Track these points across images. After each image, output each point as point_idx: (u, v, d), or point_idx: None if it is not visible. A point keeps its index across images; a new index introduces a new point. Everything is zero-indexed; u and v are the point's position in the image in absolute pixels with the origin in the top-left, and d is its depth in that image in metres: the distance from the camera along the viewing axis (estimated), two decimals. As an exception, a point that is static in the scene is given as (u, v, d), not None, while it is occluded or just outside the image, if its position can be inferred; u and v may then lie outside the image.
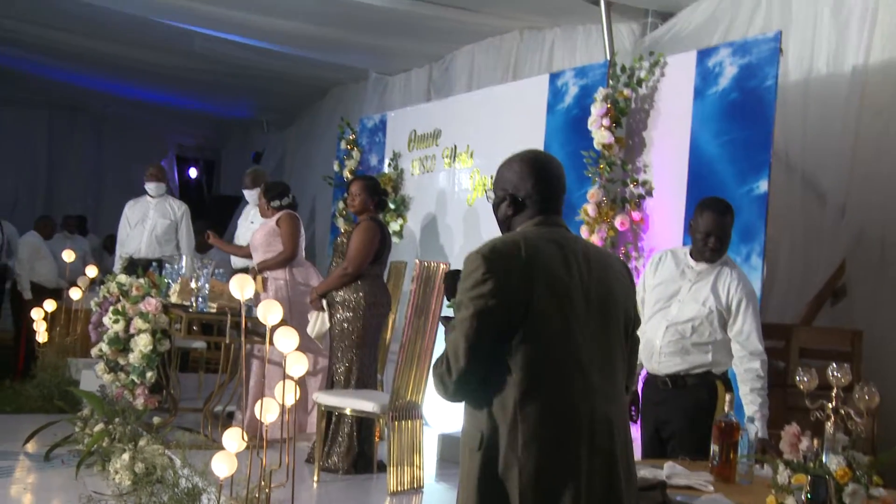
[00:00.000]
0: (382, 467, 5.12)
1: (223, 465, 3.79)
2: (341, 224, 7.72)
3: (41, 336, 7.67)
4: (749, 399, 3.71)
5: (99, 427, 5.60)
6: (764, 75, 4.47)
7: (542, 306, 2.22)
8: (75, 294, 7.73)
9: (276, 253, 5.81)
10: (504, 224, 2.46)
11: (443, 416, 5.82)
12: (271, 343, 3.77)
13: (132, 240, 7.64)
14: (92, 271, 7.98)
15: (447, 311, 2.74)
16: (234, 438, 3.88)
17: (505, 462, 2.19)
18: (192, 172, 15.69)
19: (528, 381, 2.21)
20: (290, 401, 3.75)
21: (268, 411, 3.80)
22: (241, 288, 3.92)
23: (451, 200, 6.59)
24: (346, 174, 7.71)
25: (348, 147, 7.75)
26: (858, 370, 4.70)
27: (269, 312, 3.75)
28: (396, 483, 4.69)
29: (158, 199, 7.80)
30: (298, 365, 3.78)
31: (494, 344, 2.21)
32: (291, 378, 3.76)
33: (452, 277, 2.42)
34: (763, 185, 4.42)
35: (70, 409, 6.69)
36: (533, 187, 2.40)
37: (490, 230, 6.13)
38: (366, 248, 5.14)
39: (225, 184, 15.42)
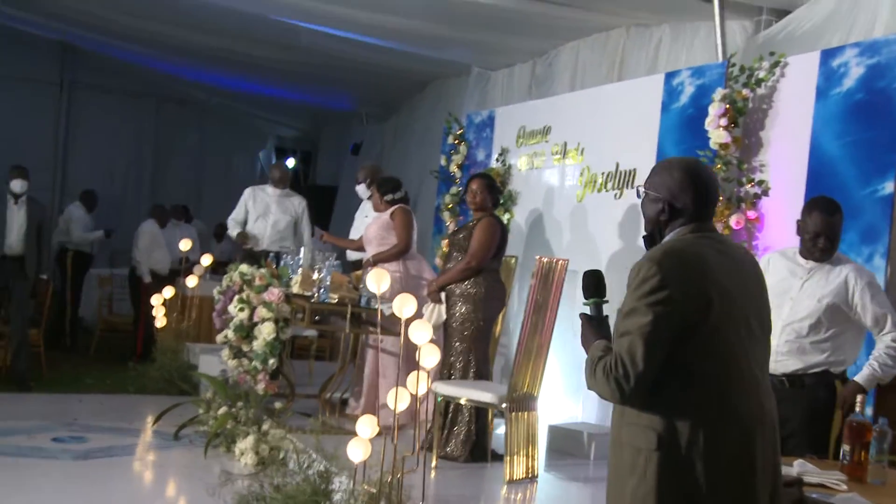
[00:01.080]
0: (496, 456, 5.28)
1: (358, 450, 3.97)
2: (447, 217, 7.88)
3: (160, 321, 8.02)
4: (873, 355, 3.79)
5: (223, 410, 5.87)
6: (893, 76, 4.45)
7: (716, 313, 2.36)
8: (191, 281, 8.07)
9: (389, 246, 6.00)
10: (653, 224, 2.59)
11: (552, 408, 5.93)
12: (405, 334, 3.93)
13: (254, 231, 7.92)
14: (207, 259, 8.30)
15: (584, 309, 2.84)
16: (367, 425, 4.05)
17: (688, 459, 2.31)
18: (290, 162, 16.06)
19: (707, 383, 2.34)
20: (422, 390, 3.92)
21: (399, 400, 3.96)
22: (378, 282, 4.10)
23: (560, 196, 6.68)
24: (453, 168, 7.86)
25: (455, 142, 7.89)
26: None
27: (404, 305, 3.91)
28: (513, 472, 4.83)
29: (281, 194, 8.05)
30: (431, 356, 3.93)
31: (670, 348, 2.33)
32: (424, 369, 3.92)
33: (593, 277, 2.68)
34: (889, 187, 4.41)
35: (192, 391, 7.02)
36: (692, 198, 2.53)
37: (598, 226, 6.23)
38: (488, 244, 5.31)
39: (321, 174, 15.76)
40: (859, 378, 3.76)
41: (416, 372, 4.01)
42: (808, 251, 3.90)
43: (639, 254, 5.79)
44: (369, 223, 6.30)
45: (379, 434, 4.11)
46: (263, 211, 7.98)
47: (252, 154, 16.08)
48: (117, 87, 14.20)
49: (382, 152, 12.83)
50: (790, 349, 3.89)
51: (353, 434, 5.54)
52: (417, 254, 6.15)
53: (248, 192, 8.20)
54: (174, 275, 9.36)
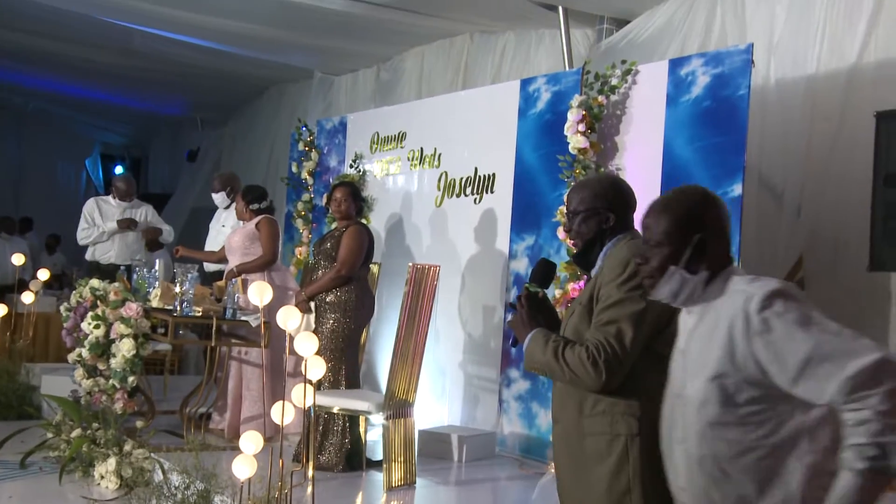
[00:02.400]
0: (370, 464, 5.29)
1: (244, 466, 3.88)
2: (300, 225, 7.79)
3: (-9, 341, 7.52)
4: None
5: (77, 432, 5.58)
6: (736, 85, 4.77)
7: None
8: (27, 297, 7.61)
9: (254, 256, 5.89)
10: (593, 237, 2.70)
11: (421, 413, 5.99)
12: (290, 346, 3.88)
13: (102, 246, 7.59)
14: (44, 274, 7.86)
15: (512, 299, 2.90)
16: (251, 440, 3.96)
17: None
18: (118, 170, 15.41)
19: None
20: (309, 402, 3.88)
21: (286, 413, 3.91)
22: (261, 294, 4.02)
23: (418, 202, 6.75)
24: (305, 175, 7.78)
25: (305, 148, 7.82)
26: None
27: (289, 318, 3.86)
28: (392, 479, 4.85)
29: (128, 207, 7.77)
30: (317, 368, 3.90)
31: (647, 338, 2.52)
32: (310, 382, 3.88)
33: (546, 266, 2.78)
34: (737, 189, 4.73)
35: (35, 414, 6.61)
36: (625, 206, 2.72)
37: (457, 231, 6.35)
38: (357, 251, 5.31)
39: (153, 181, 15.22)
40: None
41: (298, 384, 3.96)
42: None
43: (497, 258, 5.98)
44: (232, 233, 6.16)
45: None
46: (105, 222, 7.68)
47: (77, 162, 15.33)
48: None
49: (221, 158, 12.54)
50: None
51: (223, 449, 5.47)
52: (282, 264, 6.07)
53: (91, 203, 7.95)
54: (4, 291, 8.80)
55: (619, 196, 2.74)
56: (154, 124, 14.77)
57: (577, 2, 6.74)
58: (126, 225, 7.72)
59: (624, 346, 2.48)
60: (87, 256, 7.80)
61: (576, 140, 5.35)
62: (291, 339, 3.88)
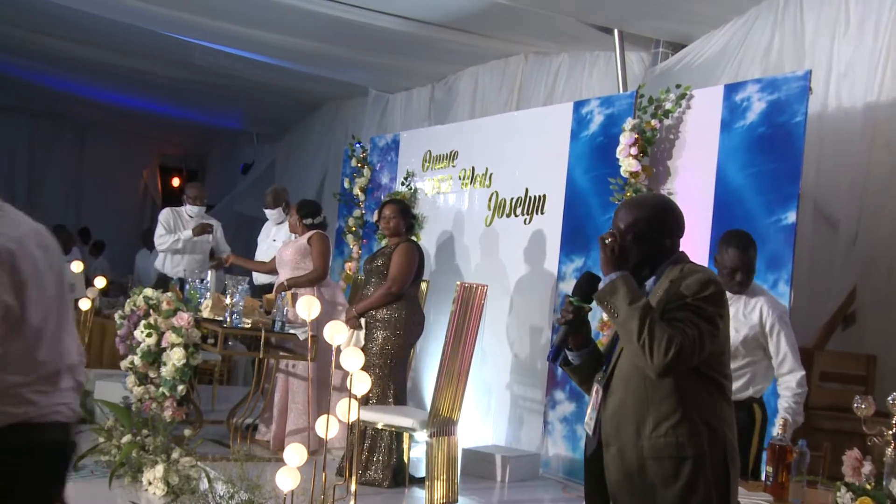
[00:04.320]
0: (413, 481, 5.30)
1: (287, 478, 3.92)
2: (350, 241, 7.86)
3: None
4: (782, 405, 4.00)
5: (127, 438, 5.67)
6: (793, 112, 4.72)
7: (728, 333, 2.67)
8: (84, 304, 7.76)
9: (304, 271, 5.96)
10: (640, 258, 2.67)
11: (466, 432, 5.99)
12: (336, 361, 3.92)
13: (173, 259, 7.69)
14: (101, 281, 8.02)
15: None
16: (296, 453, 4.00)
17: (725, 465, 2.61)
18: (175, 181, 15.67)
19: (728, 396, 2.64)
20: (353, 417, 3.91)
21: (330, 427, 3.94)
22: (309, 308, 4.07)
23: (468, 221, 6.77)
24: (357, 191, 7.85)
25: (358, 165, 7.89)
26: (872, 394, 4.96)
27: (335, 333, 3.89)
28: (434, 496, 4.86)
29: (197, 220, 7.80)
30: (362, 383, 3.93)
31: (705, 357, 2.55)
32: (355, 397, 3.91)
33: (590, 280, 2.71)
34: (791, 217, 4.67)
35: (88, 418, 6.74)
36: (681, 228, 2.75)
37: (507, 251, 6.36)
38: (408, 269, 5.36)
39: (210, 194, 15.43)
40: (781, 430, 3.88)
41: (345, 399, 3.99)
42: (725, 284, 4.06)
43: (546, 279, 5.98)
44: (284, 246, 6.23)
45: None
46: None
47: (136, 172, 15.60)
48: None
49: (274, 172, 12.69)
50: None
51: (267, 460, 5.52)
52: (331, 280, 6.13)
53: (167, 211, 7.90)
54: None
55: (674, 221, 2.72)
56: (211, 137, 14.99)
57: (633, 25, 6.72)
58: (201, 230, 7.62)
59: (698, 347, 2.48)
60: (158, 266, 7.87)
61: (628, 163, 5.34)
62: (338, 353, 3.91)
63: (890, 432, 3.17)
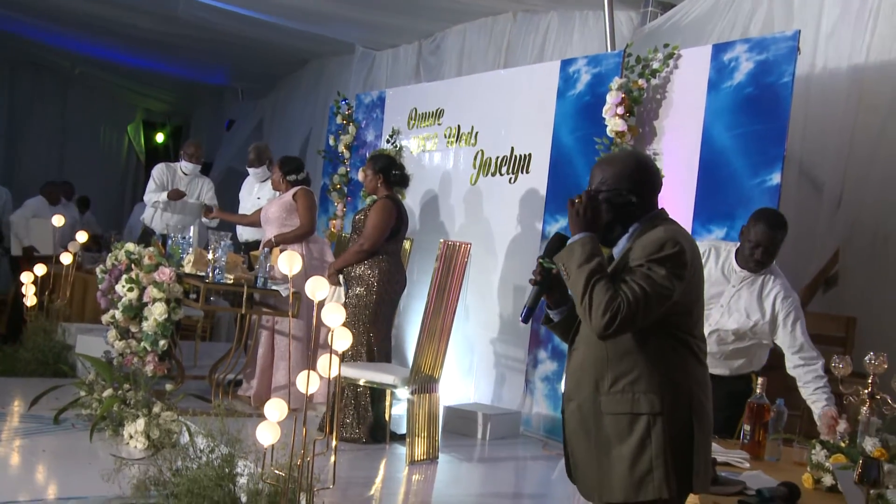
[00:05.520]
0: (393, 437, 5.32)
1: (268, 433, 3.92)
2: (335, 198, 7.81)
3: (29, 299, 7.64)
4: (815, 397, 3.85)
5: (108, 392, 5.67)
6: (781, 72, 4.69)
7: (701, 295, 2.66)
8: (66, 258, 7.72)
9: (291, 227, 5.92)
10: (612, 215, 2.64)
11: (445, 388, 6.01)
12: (318, 317, 3.90)
13: (161, 215, 7.66)
14: (82, 236, 7.96)
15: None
16: (276, 408, 4.00)
17: (689, 422, 2.61)
18: (160, 137, 15.53)
19: (697, 354, 2.63)
20: (334, 373, 3.90)
21: (311, 383, 3.93)
22: (290, 264, 4.05)
23: (453, 179, 6.74)
24: (342, 149, 7.80)
25: (344, 122, 7.82)
26: (850, 355, 4.99)
27: (317, 289, 3.87)
28: (414, 453, 4.88)
29: (192, 175, 7.78)
30: (343, 340, 3.92)
31: (661, 316, 2.53)
32: (336, 353, 3.90)
33: (561, 241, 2.68)
34: (775, 178, 4.66)
35: (70, 372, 6.73)
36: (650, 188, 2.69)
37: (491, 210, 6.33)
38: (382, 226, 5.31)
39: (194, 150, 15.31)
40: (822, 414, 3.76)
41: (326, 355, 3.98)
42: (744, 259, 4.01)
43: (531, 238, 5.96)
44: (268, 203, 6.19)
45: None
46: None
47: (119, 127, 15.45)
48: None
49: (261, 129, 12.59)
50: (715, 356, 4.00)
51: (248, 416, 5.53)
52: (319, 237, 6.10)
53: (161, 167, 7.87)
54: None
55: (644, 178, 2.68)
56: (196, 93, 14.81)
57: (622, -18, 6.65)
58: (174, 196, 7.63)
59: (643, 309, 2.45)
60: (146, 220, 7.83)
61: (614, 123, 5.30)
62: (315, 309, 3.90)
63: (865, 391, 3.19)
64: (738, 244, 4.09)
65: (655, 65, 5.31)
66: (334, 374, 3.91)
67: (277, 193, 6.26)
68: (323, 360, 3.94)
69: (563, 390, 2.79)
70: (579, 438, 2.66)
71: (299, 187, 5.98)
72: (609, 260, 2.68)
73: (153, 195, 7.68)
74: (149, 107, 15.70)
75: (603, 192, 2.66)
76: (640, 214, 2.65)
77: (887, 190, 5.22)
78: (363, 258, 5.33)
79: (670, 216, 2.69)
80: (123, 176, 15.43)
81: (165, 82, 14.52)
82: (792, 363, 3.96)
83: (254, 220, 6.45)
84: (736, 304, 4.02)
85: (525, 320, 2.76)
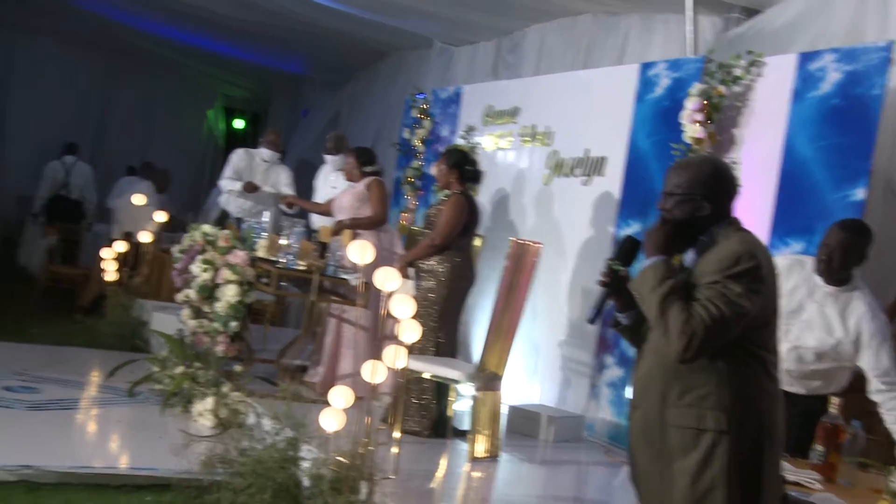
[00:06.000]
0: (456, 433, 5.34)
1: (332, 420, 3.98)
2: (407, 191, 7.87)
3: (110, 275, 7.87)
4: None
5: (180, 369, 5.81)
6: (871, 84, 4.58)
7: (777, 310, 2.63)
8: (145, 237, 7.93)
9: (362, 216, 5.99)
10: (689, 222, 2.63)
11: (509, 388, 6.02)
12: (386, 308, 3.95)
13: (237, 199, 7.80)
14: (161, 216, 8.17)
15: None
16: (341, 395, 4.06)
17: (757, 442, 2.59)
18: (239, 123, 15.80)
19: (770, 372, 2.58)
20: (401, 364, 3.94)
21: (377, 374, 3.98)
22: (361, 253, 4.10)
23: (527, 178, 6.73)
24: (416, 142, 7.85)
25: (419, 116, 7.87)
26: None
27: (387, 279, 3.92)
28: (476, 449, 4.90)
29: (269, 165, 7.90)
30: (411, 332, 3.96)
31: (739, 332, 2.50)
32: (404, 344, 3.94)
33: (631, 244, 2.72)
34: (860, 193, 4.55)
35: (144, 347, 6.92)
36: (725, 195, 2.66)
37: (563, 211, 6.31)
38: (454, 221, 5.33)
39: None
40: None
41: (393, 346, 4.02)
42: (819, 267, 3.85)
43: (603, 241, 5.92)
44: (342, 193, 6.27)
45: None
46: (249, 177, 7.83)
47: (200, 112, 15.78)
48: (66, 32, 13.74)
49: (338, 120, 12.71)
50: (792, 374, 3.89)
51: (313, 401, 5.61)
52: (390, 227, 6.15)
53: (240, 153, 8.01)
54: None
55: (719, 184, 2.65)
56: (275, 81, 15.03)
57: (708, -13, 6.55)
58: (249, 189, 7.76)
59: (720, 331, 2.43)
60: (222, 204, 8.00)
61: (692, 129, 5.24)
62: (385, 300, 3.94)
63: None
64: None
65: (738, 72, 5.23)
66: (401, 365, 3.95)
67: (351, 183, 6.33)
68: (390, 351, 3.99)
69: (629, 397, 2.79)
70: (642, 447, 2.66)
71: (373, 178, 6.04)
72: (680, 268, 2.67)
73: (228, 182, 7.83)
74: (228, 93, 15.99)
75: (677, 196, 2.65)
76: (714, 222, 2.63)
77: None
78: (434, 252, 5.37)
79: (744, 226, 2.66)
80: (202, 159, 15.75)
81: (245, 69, 14.77)
82: (874, 387, 3.77)
83: (327, 209, 6.55)
84: (818, 321, 3.85)
85: (592, 321, 2.78)
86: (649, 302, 2.52)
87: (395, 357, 3.92)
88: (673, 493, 2.55)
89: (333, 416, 4.01)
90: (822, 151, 4.78)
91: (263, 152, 7.83)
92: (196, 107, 15.66)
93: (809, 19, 6.03)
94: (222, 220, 7.50)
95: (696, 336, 2.41)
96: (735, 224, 2.63)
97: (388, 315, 3.99)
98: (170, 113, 15.05)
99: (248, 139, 15.38)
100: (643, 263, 2.60)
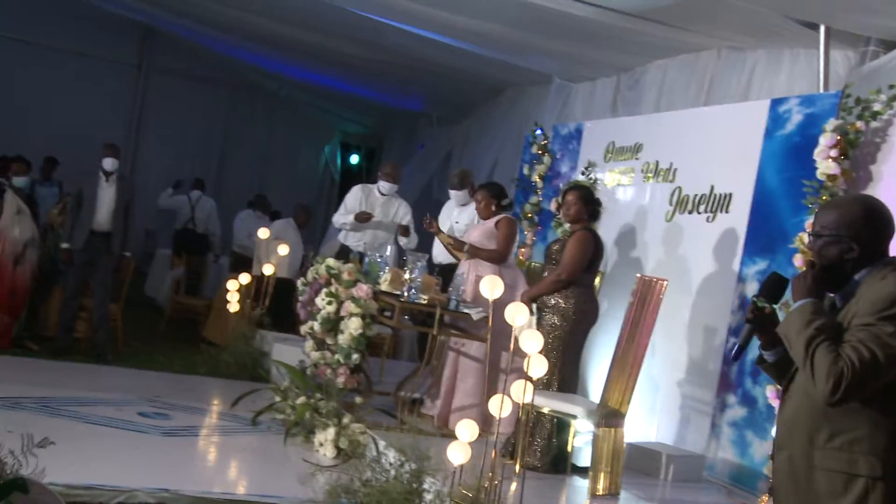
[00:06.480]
0: (575, 469, 5.29)
1: (458, 453, 4.00)
2: (525, 227, 7.89)
3: (233, 306, 8.12)
4: None
5: (301, 400, 5.93)
6: None
7: None
8: (268, 269, 8.16)
9: None
10: (833, 262, 2.59)
11: (632, 426, 5.93)
12: (515, 343, 3.96)
13: (353, 234, 7.96)
14: (284, 249, 8.39)
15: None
16: (467, 428, 4.08)
17: None
18: (354, 158, 16.15)
19: None
20: (527, 399, 3.94)
21: (502, 407, 3.99)
22: (492, 288, 4.13)
23: (649, 215, 6.67)
24: (535, 178, 7.87)
25: (539, 151, 7.90)
26: None
27: (517, 314, 3.93)
28: (597, 486, 4.84)
29: (388, 196, 8.02)
30: (539, 367, 3.95)
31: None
32: (530, 379, 3.94)
33: (777, 281, 2.71)
34: None
35: (265, 377, 7.10)
36: (876, 236, 2.59)
37: (687, 248, 6.22)
38: (580, 257, 5.32)
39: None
40: None
41: (520, 380, 4.03)
42: None
43: (727, 279, 5.79)
44: (472, 228, 6.32)
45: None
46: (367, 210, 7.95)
47: (317, 148, 16.21)
48: (192, 71, 14.40)
49: (451, 155, 12.86)
50: None
51: (433, 434, 5.65)
52: (515, 265, 6.16)
53: (356, 191, 8.15)
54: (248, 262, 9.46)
55: (869, 225, 2.58)
56: (391, 117, 15.34)
57: (841, 20, 6.39)
58: (362, 219, 7.87)
59: (871, 373, 2.36)
60: (341, 239, 8.16)
61: (825, 166, 5.11)
62: (513, 335, 3.95)
63: None
64: None
65: (877, 106, 5.08)
66: (527, 400, 3.95)
67: (477, 220, 6.36)
68: (517, 386, 4.00)
69: (773, 438, 2.72)
70: (788, 490, 2.60)
71: (503, 215, 6.06)
72: (831, 308, 2.61)
73: (341, 217, 7.99)
74: (345, 129, 16.38)
75: (825, 237, 2.61)
76: (865, 263, 2.56)
77: None
78: (559, 288, 5.36)
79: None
80: (317, 194, 16.14)
81: (362, 105, 15.12)
82: None
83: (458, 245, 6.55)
84: None
85: (735, 358, 2.77)
86: (796, 345, 2.48)
87: (523, 392, 3.92)
88: None
89: (460, 449, 4.03)
90: (966, 190, 4.59)
91: (382, 185, 7.97)
92: (313, 142, 16.09)
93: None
94: (344, 254, 7.63)
95: (845, 378, 2.35)
96: (892, 264, 2.55)
97: (516, 350, 3.99)
98: (288, 147, 15.51)
99: (363, 174, 15.72)
100: (793, 306, 2.55)
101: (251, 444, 5.77)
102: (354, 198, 8.00)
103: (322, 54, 11.81)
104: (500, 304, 5.73)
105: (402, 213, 8.00)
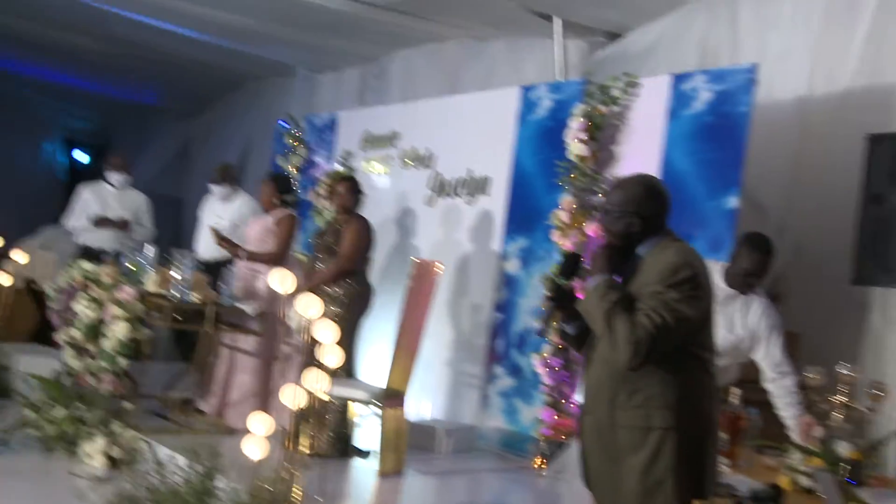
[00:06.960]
0: (357, 452, 5.36)
1: (255, 448, 3.92)
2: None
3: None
4: (788, 413, 4.12)
5: (61, 412, 5.54)
6: (738, 102, 4.97)
7: (709, 307, 2.77)
8: (2, 278, 7.49)
9: (267, 248, 5.89)
10: (623, 237, 2.82)
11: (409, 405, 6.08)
12: (310, 334, 3.94)
13: (89, 231, 7.51)
14: (19, 256, 7.74)
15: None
16: (261, 423, 4.00)
17: (701, 437, 2.78)
18: (82, 156, 15.17)
19: (710, 370, 2.76)
20: (325, 389, 3.94)
21: (296, 399, 3.96)
22: (282, 282, 4.08)
23: (409, 201, 6.84)
24: (291, 169, 7.82)
25: (293, 143, 7.86)
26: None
27: (309, 306, 3.92)
28: (384, 466, 4.94)
29: (121, 191, 7.66)
30: (333, 356, 3.97)
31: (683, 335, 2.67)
32: (326, 369, 3.95)
33: (573, 259, 2.96)
34: (733, 201, 4.92)
35: (7, 393, 6.53)
36: (656, 211, 2.84)
37: (448, 231, 6.45)
38: (359, 245, 5.40)
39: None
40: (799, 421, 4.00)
41: (314, 370, 4.02)
42: (736, 283, 4.21)
43: (490, 258, 6.07)
44: (253, 222, 6.16)
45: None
46: (102, 207, 7.56)
47: (35, 144, 15.01)
48: None
49: (190, 149, 12.45)
50: None
51: (211, 431, 5.50)
52: (291, 260, 6.09)
53: (84, 190, 7.75)
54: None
55: (649, 200, 2.84)
56: (121, 112, 14.53)
57: (573, 13, 6.89)
58: (101, 225, 7.55)
59: (664, 336, 2.60)
60: (80, 242, 7.67)
61: (577, 147, 5.50)
62: (304, 327, 3.94)
63: (840, 399, 3.42)
64: (724, 263, 4.31)
65: (615, 92, 5.53)
66: (324, 389, 3.96)
67: (245, 213, 6.21)
68: (311, 375, 3.98)
69: (581, 402, 2.94)
70: (595, 450, 2.82)
71: (286, 213, 5.93)
72: (621, 283, 2.84)
73: (73, 220, 7.65)
74: (69, 125, 15.31)
75: (612, 213, 2.85)
76: (648, 235, 2.82)
77: (829, 215, 5.54)
78: (341, 277, 5.41)
79: (678, 237, 2.87)
80: (41, 196, 14.94)
81: (88, 100, 14.22)
82: (769, 376, 4.20)
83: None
84: (720, 320, 4.12)
85: (541, 334, 2.95)
86: (596, 318, 2.69)
87: (318, 381, 3.91)
88: (625, 490, 2.71)
89: (257, 444, 3.95)
90: (697, 165, 5.13)
91: (113, 178, 7.61)
92: (30, 139, 14.84)
93: (669, 42, 6.48)
94: (90, 255, 7.17)
95: (642, 344, 2.59)
96: (670, 236, 2.83)
97: (312, 340, 3.98)
98: (2, 147, 14.24)
99: (93, 172, 14.76)
100: (587, 286, 2.77)
101: (6, 467, 5.28)
102: (83, 199, 7.64)
103: (36, 42, 10.94)
104: (274, 298, 5.70)
105: (143, 206, 7.73)
